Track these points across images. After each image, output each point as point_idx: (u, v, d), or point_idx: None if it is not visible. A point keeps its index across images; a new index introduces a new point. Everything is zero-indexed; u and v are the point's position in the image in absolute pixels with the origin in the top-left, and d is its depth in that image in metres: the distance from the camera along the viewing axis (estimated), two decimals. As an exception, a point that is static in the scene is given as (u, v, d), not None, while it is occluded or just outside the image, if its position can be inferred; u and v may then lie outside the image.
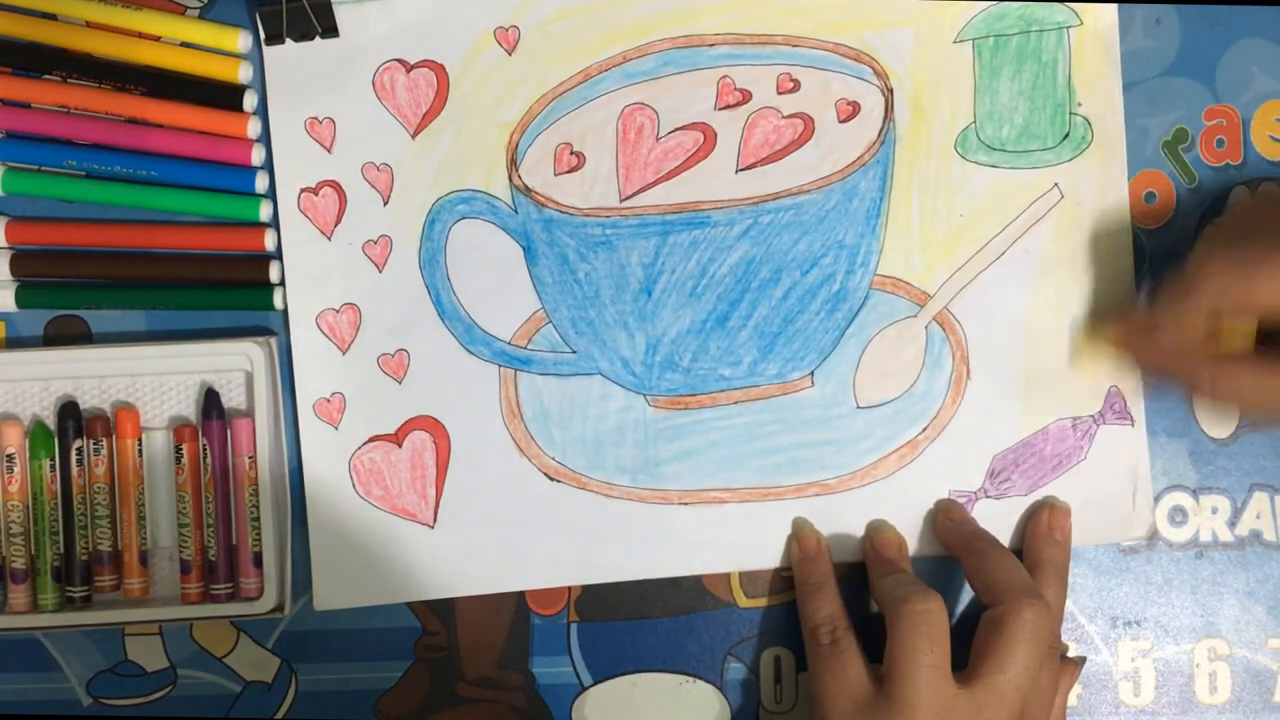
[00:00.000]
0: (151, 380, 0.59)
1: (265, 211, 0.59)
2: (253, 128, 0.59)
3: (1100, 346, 0.59)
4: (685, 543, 0.59)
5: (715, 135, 0.59)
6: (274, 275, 0.59)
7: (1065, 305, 0.59)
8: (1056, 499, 0.59)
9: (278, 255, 0.59)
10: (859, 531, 0.59)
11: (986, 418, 0.59)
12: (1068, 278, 0.59)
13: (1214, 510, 0.60)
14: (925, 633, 0.53)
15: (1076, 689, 0.59)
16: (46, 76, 0.59)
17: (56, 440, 0.59)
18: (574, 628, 0.60)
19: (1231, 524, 0.60)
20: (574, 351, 0.59)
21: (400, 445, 0.59)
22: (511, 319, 0.59)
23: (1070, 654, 0.60)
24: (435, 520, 0.59)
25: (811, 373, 0.59)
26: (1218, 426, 0.59)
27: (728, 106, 0.59)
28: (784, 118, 0.59)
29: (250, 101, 0.59)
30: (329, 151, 0.59)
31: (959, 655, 0.54)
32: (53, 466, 0.58)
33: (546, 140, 0.59)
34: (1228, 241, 0.53)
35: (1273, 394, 0.52)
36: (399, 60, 0.59)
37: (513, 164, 0.59)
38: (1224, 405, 0.56)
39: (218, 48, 0.59)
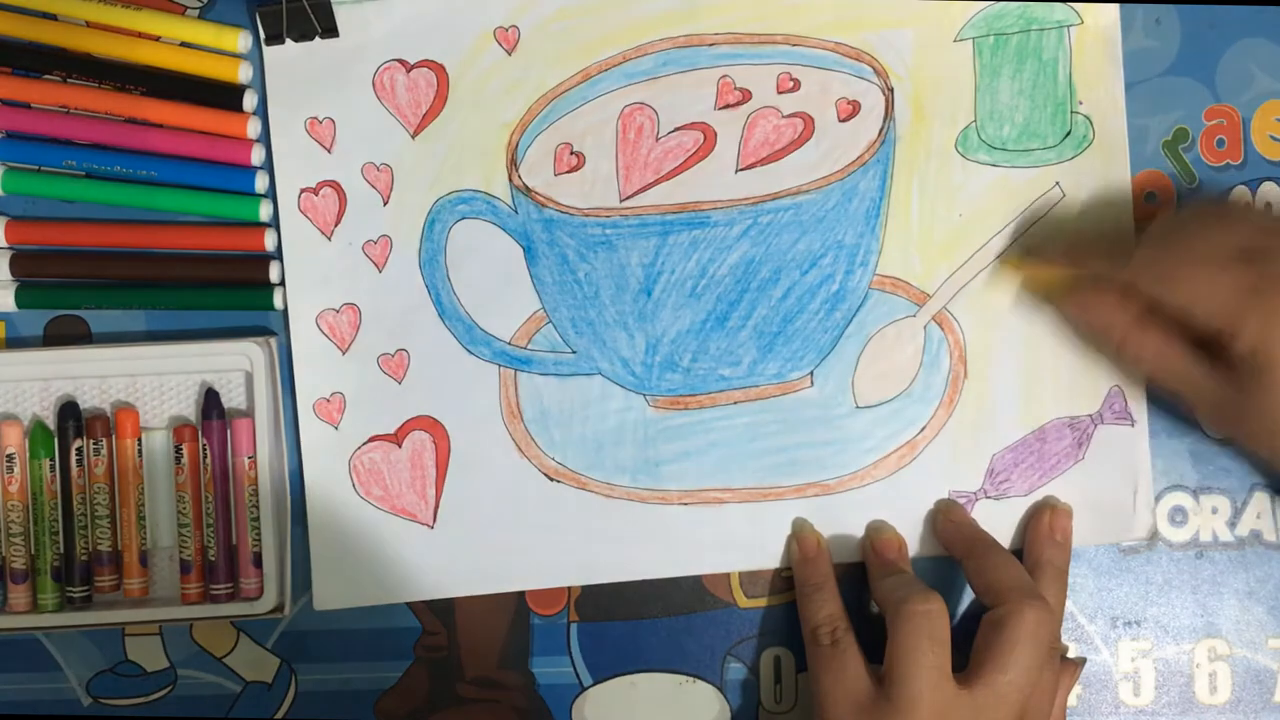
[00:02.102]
0: (151, 380, 0.59)
1: (265, 211, 0.59)
2: (253, 128, 0.59)
3: (1029, 264, 0.58)
4: (685, 543, 0.59)
5: (715, 135, 0.59)
6: (274, 275, 0.59)
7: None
8: (1058, 500, 0.59)
9: (278, 255, 0.59)
10: (859, 532, 0.59)
11: (985, 418, 0.59)
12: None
13: (1214, 510, 0.60)
14: (926, 633, 0.53)
15: (1076, 689, 0.59)
16: (46, 76, 0.59)
17: (56, 440, 0.59)
18: (574, 628, 0.60)
19: (1232, 524, 0.60)
20: (574, 351, 0.59)
21: (400, 445, 0.59)
22: (511, 319, 0.60)
23: (1070, 654, 0.60)
24: (435, 520, 0.59)
25: (811, 373, 0.59)
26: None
27: (728, 106, 0.59)
28: (784, 117, 0.59)
29: (250, 101, 0.59)
30: (329, 151, 0.59)
31: (958, 656, 0.54)
32: (53, 466, 0.58)
33: (546, 140, 0.59)
34: (1189, 226, 0.54)
35: (1169, 367, 0.55)
36: (399, 60, 0.59)
37: (513, 164, 0.59)
38: (1123, 363, 0.58)
39: (218, 48, 0.59)
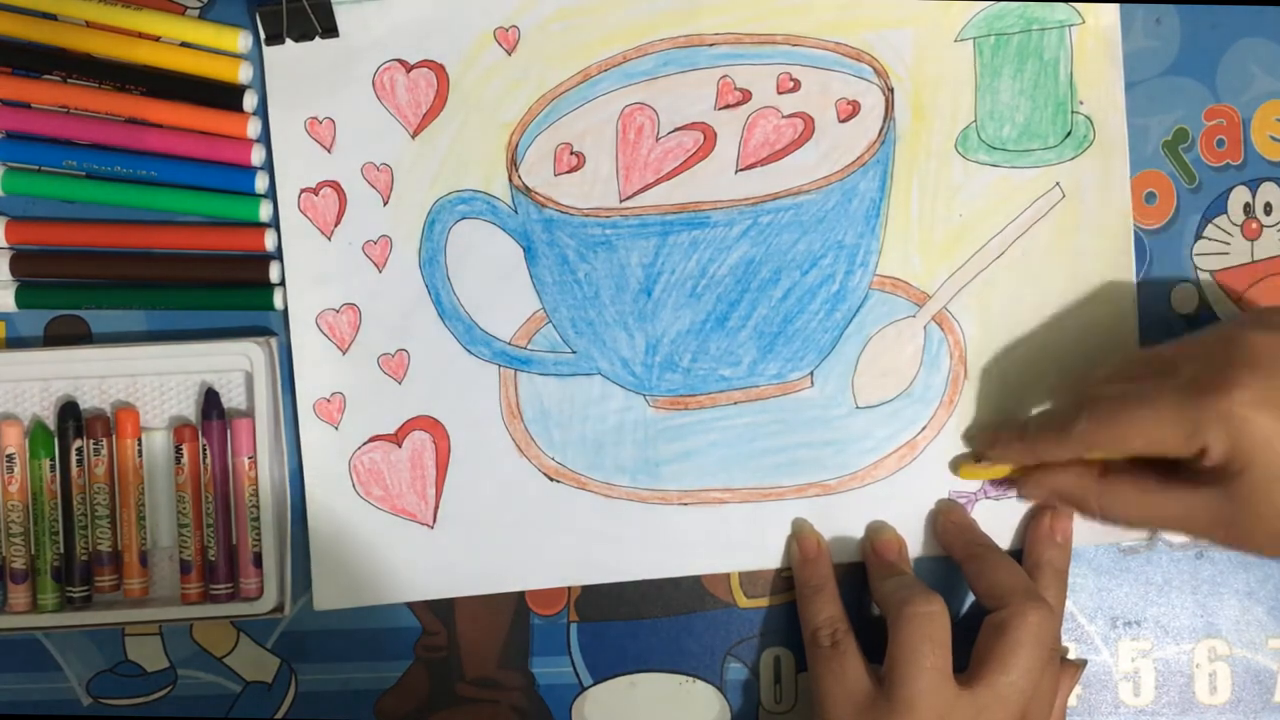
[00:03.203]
0: (151, 380, 0.59)
1: (265, 211, 0.59)
2: (253, 128, 0.59)
3: (982, 467, 0.58)
4: (685, 543, 0.59)
5: (715, 135, 0.59)
6: (274, 275, 0.59)
7: (1065, 305, 0.59)
8: (1057, 500, 0.59)
9: (278, 255, 0.59)
10: (859, 532, 0.59)
11: (984, 418, 0.59)
12: (1068, 278, 0.59)
13: (1214, 510, 0.60)
14: (927, 635, 0.53)
15: (1076, 690, 0.59)
16: (46, 76, 0.59)
17: (56, 440, 0.59)
18: (574, 628, 0.60)
19: (1232, 524, 0.60)
20: (574, 352, 0.59)
21: (400, 445, 0.59)
22: (511, 319, 0.59)
23: (1070, 655, 0.60)
24: (435, 520, 0.59)
25: (811, 373, 0.59)
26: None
27: (728, 106, 0.59)
28: (784, 117, 0.59)
29: (250, 101, 0.59)
30: (329, 151, 0.59)
31: (958, 657, 0.54)
32: (53, 466, 0.58)
33: (546, 140, 0.59)
34: (1105, 387, 0.54)
35: (1153, 511, 0.54)
36: (399, 60, 0.59)
37: (513, 164, 0.59)
38: (1111, 522, 0.57)
39: (218, 48, 0.59)
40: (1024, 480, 0.58)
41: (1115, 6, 0.59)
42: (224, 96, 0.59)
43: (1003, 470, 0.58)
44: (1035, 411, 0.59)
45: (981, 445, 0.58)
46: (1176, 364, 0.52)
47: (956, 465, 0.59)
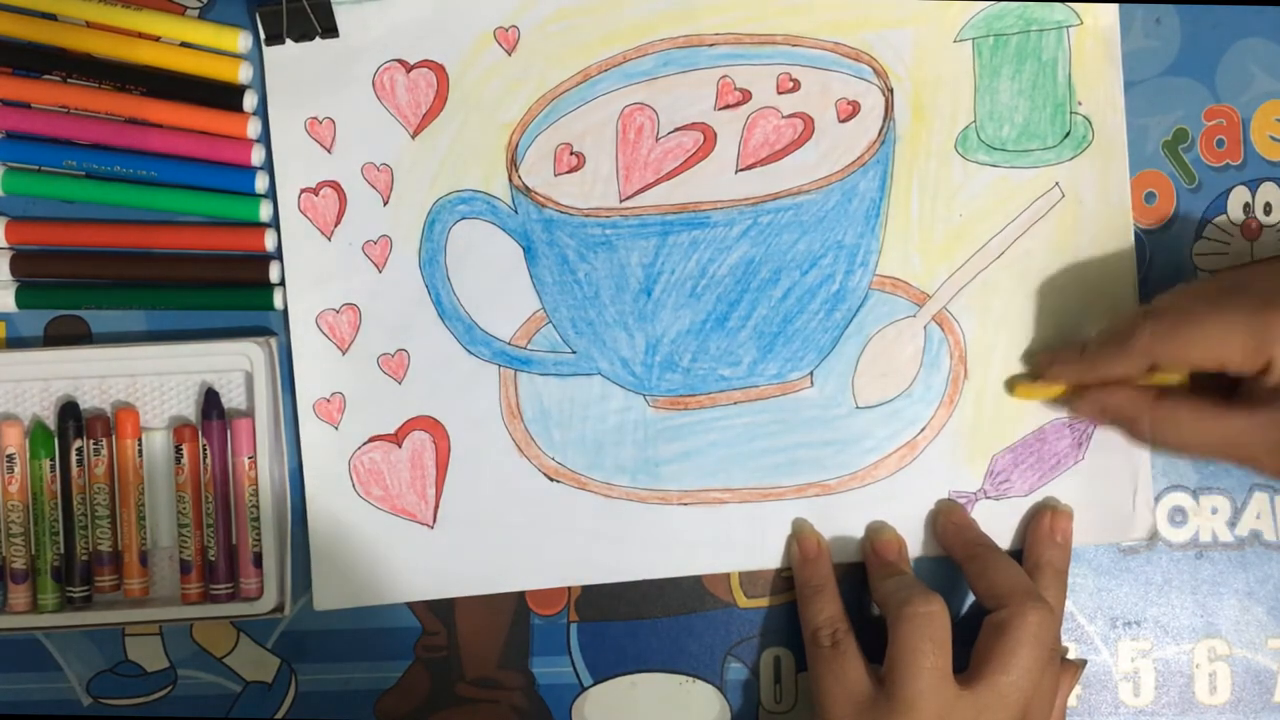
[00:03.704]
0: (151, 380, 0.59)
1: (265, 211, 0.59)
2: (253, 128, 0.59)
3: (1039, 386, 0.58)
4: (685, 543, 0.59)
5: (715, 135, 0.59)
6: (274, 275, 0.59)
7: (1065, 305, 0.59)
8: (1059, 501, 0.59)
9: (278, 255, 0.59)
10: (859, 532, 0.59)
11: (984, 418, 0.59)
12: (1068, 278, 0.59)
13: (1214, 510, 0.60)
14: (927, 635, 0.53)
15: (1076, 690, 0.59)
16: (46, 76, 0.59)
17: (56, 440, 0.59)
18: (574, 628, 0.60)
19: (1232, 524, 0.60)
20: (574, 352, 0.59)
21: (400, 445, 0.59)
22: (511, 319, 0.60)
23: (1070, 655, 0.60)
24: (435, 520, 0.59)
25: (811, 373, 0.59)
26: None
27: (728, 106, 0.59)
28: (784, 117, 0.59)
29: (250, 101, 0.59)
30: (329, 151, 0.59)
31: (959, 657, 0.54)
32: (53, 466, 0.58)
33: (546, 140, 0.59)
34: (1171, 300, 0.54)
35: (1207, 435, 0.53)
36: (399, 60, 0.59)
37: (512, 164, 0.59)
38: (1163, 445, 0.56)
39: (218, 48, 0.59)
40: (1078, 399, 0.57)
41: (1114, 7, 0.59)
42: (224, 96, 0.59)
43: (1058, 389, 0.57)
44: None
45: (1041, 363, 0.58)
46: (1248, 281, 0.52)
47: (1012, 385, 0.59)
